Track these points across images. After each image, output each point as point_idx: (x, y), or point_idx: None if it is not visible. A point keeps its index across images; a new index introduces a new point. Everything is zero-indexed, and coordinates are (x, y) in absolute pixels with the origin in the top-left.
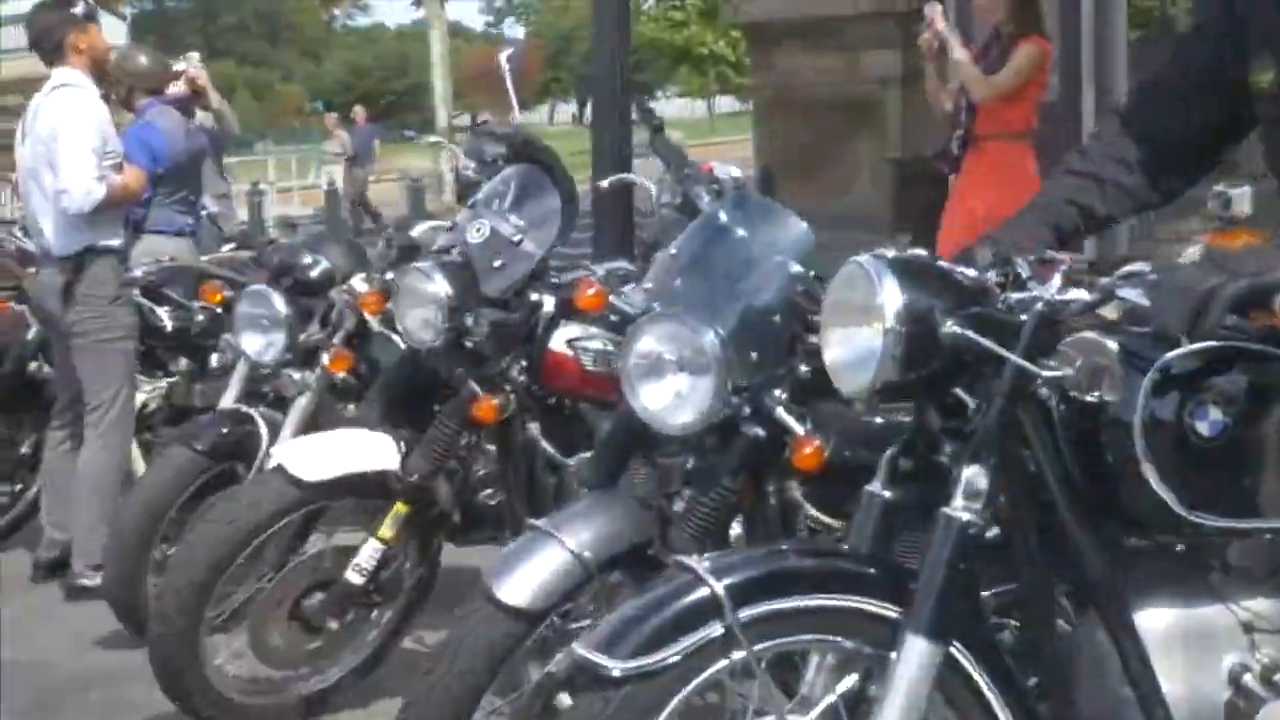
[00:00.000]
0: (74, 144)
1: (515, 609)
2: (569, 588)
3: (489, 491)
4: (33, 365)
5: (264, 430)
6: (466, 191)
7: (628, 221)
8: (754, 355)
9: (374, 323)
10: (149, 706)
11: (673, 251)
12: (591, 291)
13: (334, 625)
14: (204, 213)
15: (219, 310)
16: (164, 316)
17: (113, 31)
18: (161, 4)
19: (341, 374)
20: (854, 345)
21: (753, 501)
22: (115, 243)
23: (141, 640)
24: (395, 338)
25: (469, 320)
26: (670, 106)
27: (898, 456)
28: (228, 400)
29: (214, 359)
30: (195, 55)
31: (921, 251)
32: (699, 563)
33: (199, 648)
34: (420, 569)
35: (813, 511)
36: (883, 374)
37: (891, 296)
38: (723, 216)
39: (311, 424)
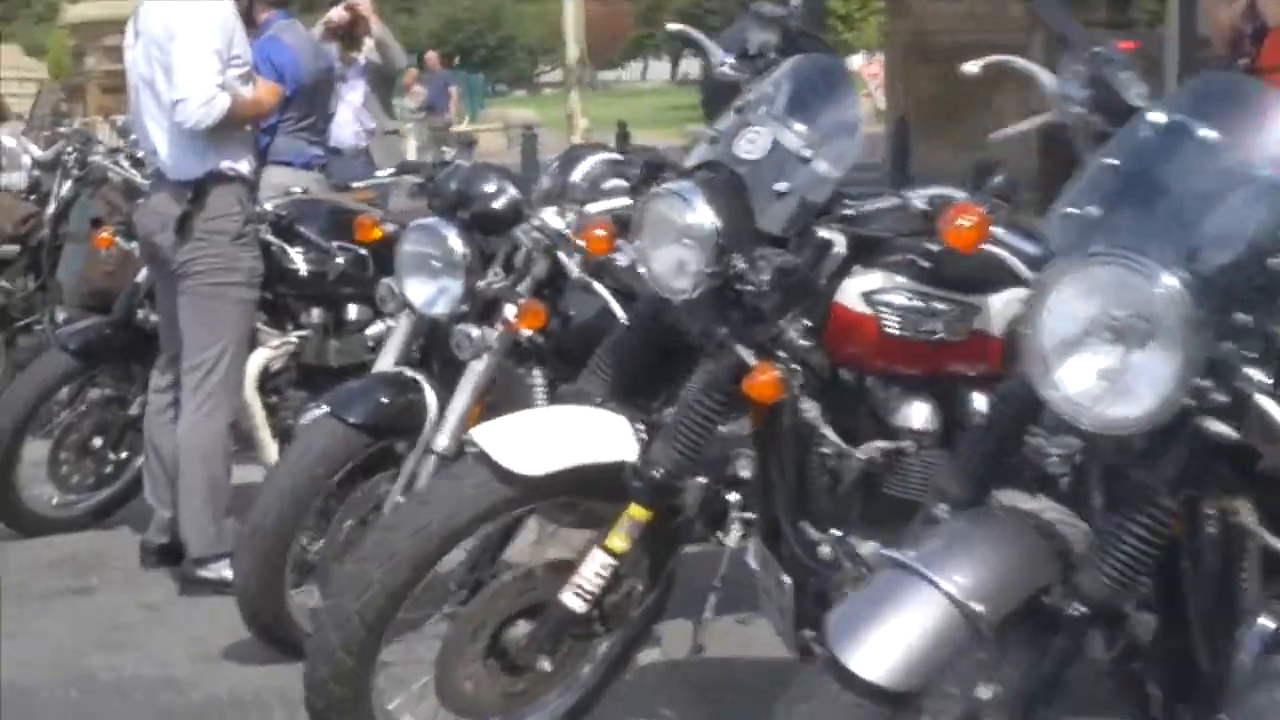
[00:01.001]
0: (193, 45)
1: (878, 689)
2: (953, 655)
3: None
4: (142, 313)
5: (432, 400)
6: (716, 98)
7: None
8: (1237, 317)
9: (573, 267)
10: None
11: (1112, 162)
12: (967, 223)
13: (545, 664)
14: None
15: (362, 251)
16: (297, 259)
17: None
18: None
19: (529, 332)
20: None
21: (1186, 530)
22: (243, 168)
23: (280, 655)
24: (599, 288)
25: (740, 263)
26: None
27: None
28: (385, 361)
29: (351, 310)
30: None
31: None
32: None
33: (370, 694)
34: (654, 590)
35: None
36: None
37: None
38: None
39: (487, 394)
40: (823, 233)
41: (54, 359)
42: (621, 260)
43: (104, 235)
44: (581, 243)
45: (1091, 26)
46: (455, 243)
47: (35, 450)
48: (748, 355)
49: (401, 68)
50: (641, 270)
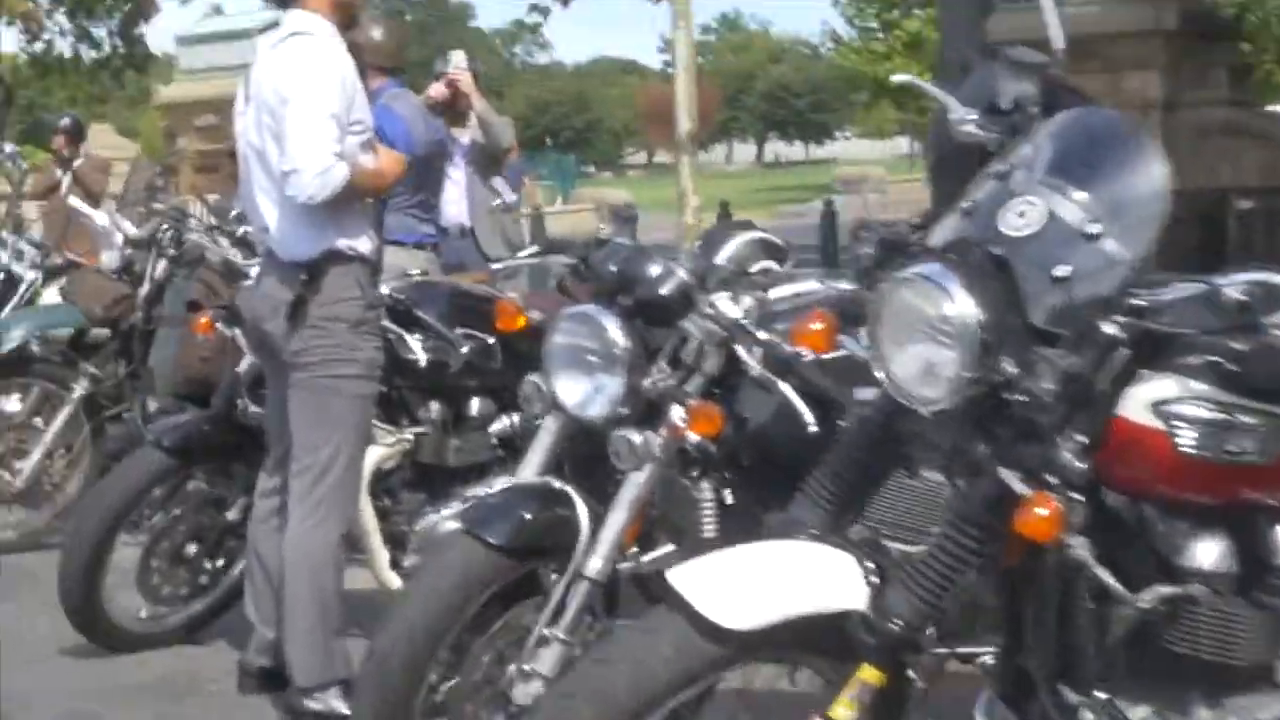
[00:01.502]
0: (308, 109)
1: None
2: None
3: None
4: (242, 404)
5: (584, 516)
6: (950, 163)
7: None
8: None
9: (752, 364)
10: None
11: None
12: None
13: None
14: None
15: (489, 340)
16: (416, 348)
17: None
18: None
19: (698, 438)
20: None
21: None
22: (363, 247)
23: None
24: (785, 390)
25: (1011, 367)
26: (854, 146)
27: None
28: (529, 470)
29: (473, 404)
30: (459, 54)
31: None
32: None
33: None
34: None
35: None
36: None
37: None
38: None
39: (648, 509)
40: (1107, 328)
41: (146, 456)
42: (808, 356)
43: (203, 320)
44: (770, 336)
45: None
46: (616, 334)
47: (124, 556)
48: (1017, 483)
49: (507, 145)
50: (879, 374)
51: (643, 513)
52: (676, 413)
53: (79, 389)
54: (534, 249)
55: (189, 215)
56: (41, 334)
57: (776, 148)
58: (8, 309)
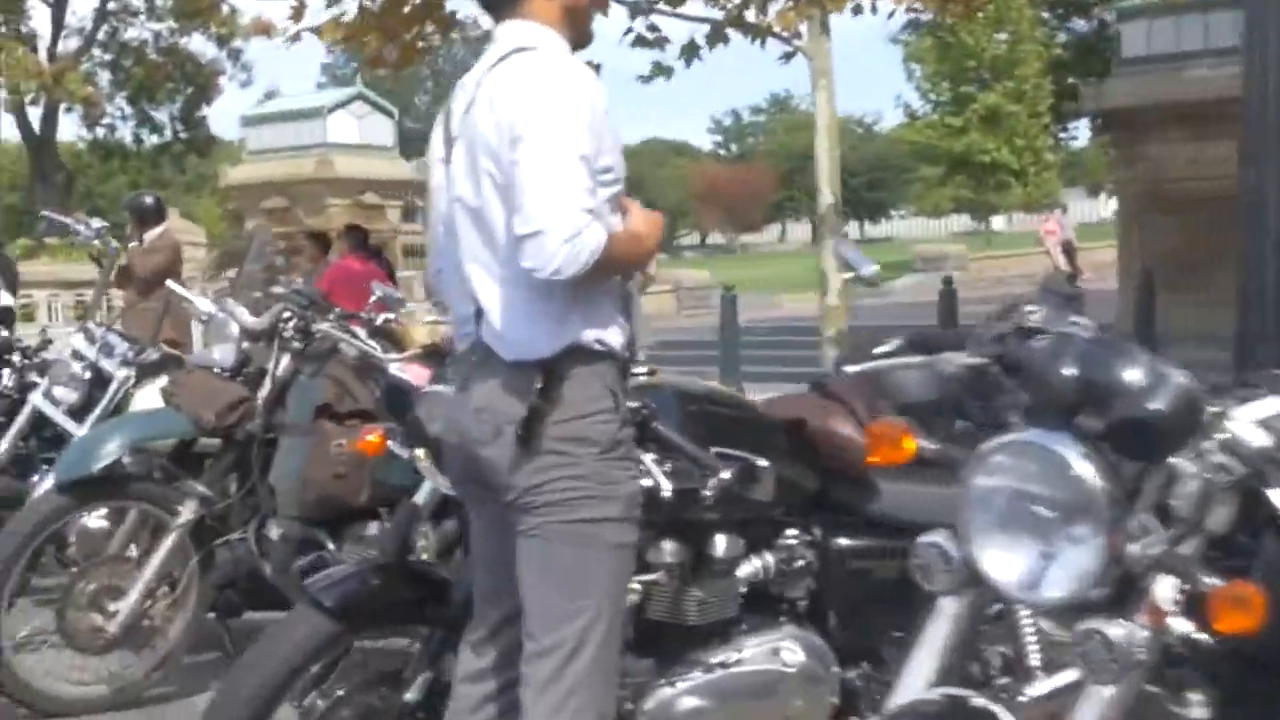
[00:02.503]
0: (551, 151)
1: None
2: None
3: None
4: (422, 543)
5: None
6: None
7: None
8: None
9: None
10: None
11: None
12: None
13: None
14: None
15: (761, 463)
16: (658, 474)
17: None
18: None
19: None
20: None
21: None
22: (614, 340)
23: None
24: None
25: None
26: (911, 224)
27: None
28: (917, 680)
29: (719, 543)
30: None
31: None
32: None
33: None
34: None
35: None
36: None
37: None
38: None
39: None
40: None
41: (302, 619)
42: None
43: (372, 438)
44: None
45: None
46: (1087, 472)
47: None
48: None
49: None
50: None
51: None
52: (1163, 590)
53: (185, 513)
54: (894, 343)
55: (317, 300)
56: (140, 446)
57: None
58: (95, 414)
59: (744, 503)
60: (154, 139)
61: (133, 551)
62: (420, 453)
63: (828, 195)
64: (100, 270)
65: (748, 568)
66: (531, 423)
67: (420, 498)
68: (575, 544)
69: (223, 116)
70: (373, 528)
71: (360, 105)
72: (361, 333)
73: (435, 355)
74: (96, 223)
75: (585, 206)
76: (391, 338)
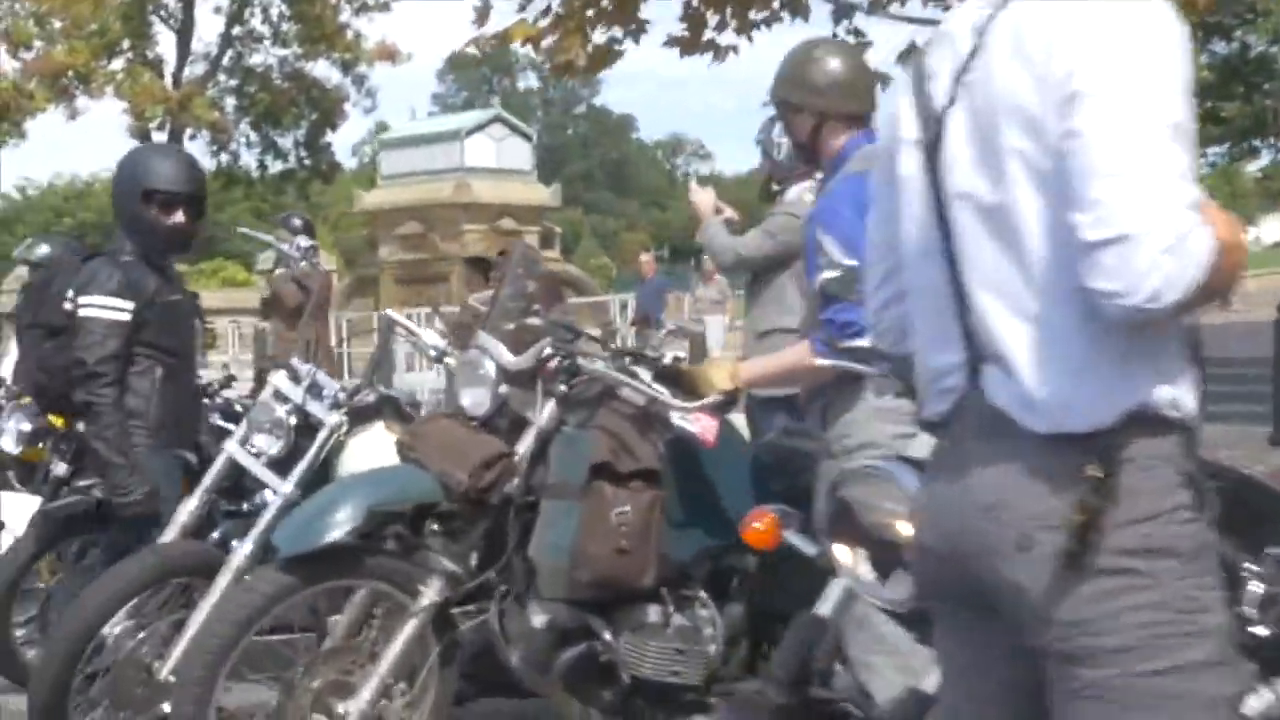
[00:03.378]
0: (1137, 116)
1: None
2: None
3: None
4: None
5: None
6: None
7: None
8: None
9: None
10: None
11: None
12: None
13: None
14: None
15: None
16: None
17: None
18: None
19: None
20: None
21: None
22: (1189, 403)
23: None
24: None
25: None
26: None
27: None
28: None
29: None
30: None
31: None
32: None
33: None
34: None
35: None
36: None
37: None
38: None
39: None
40: None
41: None
42: None
43: (759, 525)
44: None
45: None
46: None
47: None
48: None
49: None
50: None
51: None
52: None
53: (429, 594)
54: None
55: (582, 334)
56: (375, 511)
57: None
58: (302, 467)
59: None
60: (278, 165)
61: (363, 640)
62: (843, 549)
63: None
64: (307, 296)
65: None
66: (1086, 530)
67: (826, 608)
68: (1157, 705)
69: (344, 145)
70: (653, 613)
71: (498, 128)
72: (646, 374)
73: (730, 404)
74: (304, 240)
75: (1188, 201)
76: (680, 380)
